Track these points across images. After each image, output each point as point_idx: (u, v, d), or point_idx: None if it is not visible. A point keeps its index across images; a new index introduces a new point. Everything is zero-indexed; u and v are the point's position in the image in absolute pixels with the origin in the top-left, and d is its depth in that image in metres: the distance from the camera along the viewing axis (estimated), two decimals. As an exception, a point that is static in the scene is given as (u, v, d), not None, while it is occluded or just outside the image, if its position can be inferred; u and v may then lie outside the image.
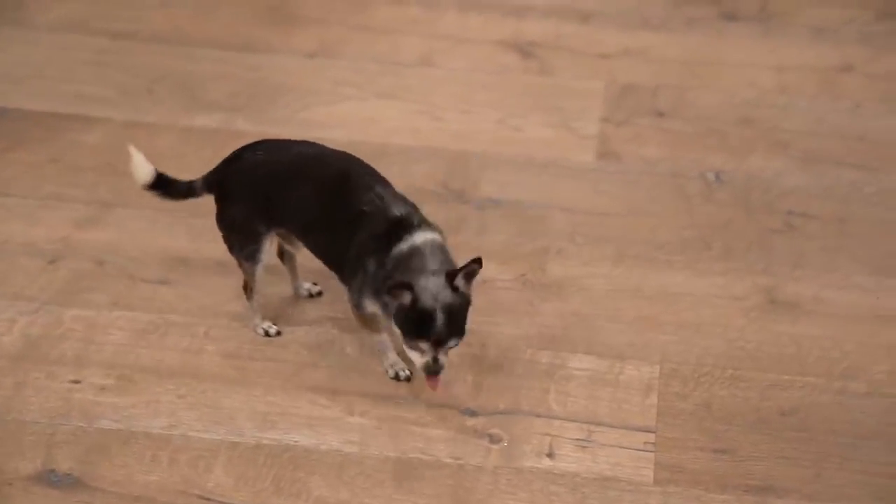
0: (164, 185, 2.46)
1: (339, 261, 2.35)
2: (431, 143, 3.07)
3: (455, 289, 2.19)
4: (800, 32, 3.50)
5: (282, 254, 2.56)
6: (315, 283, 2.62)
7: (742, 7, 3.61)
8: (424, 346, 2.21)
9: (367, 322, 2.37)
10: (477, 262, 2.20)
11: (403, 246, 2.23)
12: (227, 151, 2.98)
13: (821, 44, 3.45)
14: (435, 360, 2.22)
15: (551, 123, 3.15)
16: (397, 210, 2.27)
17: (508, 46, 3.41)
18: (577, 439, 2.32)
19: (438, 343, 2.21)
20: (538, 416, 2.37)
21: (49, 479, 2.20)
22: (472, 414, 2.37)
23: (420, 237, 2.24)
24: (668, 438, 2.33)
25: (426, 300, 2.17)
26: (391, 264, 2.23)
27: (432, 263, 2.21)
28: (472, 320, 2.55)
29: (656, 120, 3.17)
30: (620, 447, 2.31)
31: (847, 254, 2.75)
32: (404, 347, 2.25)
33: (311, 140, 2.44)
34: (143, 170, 2.44)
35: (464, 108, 3.20)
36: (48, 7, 3.42)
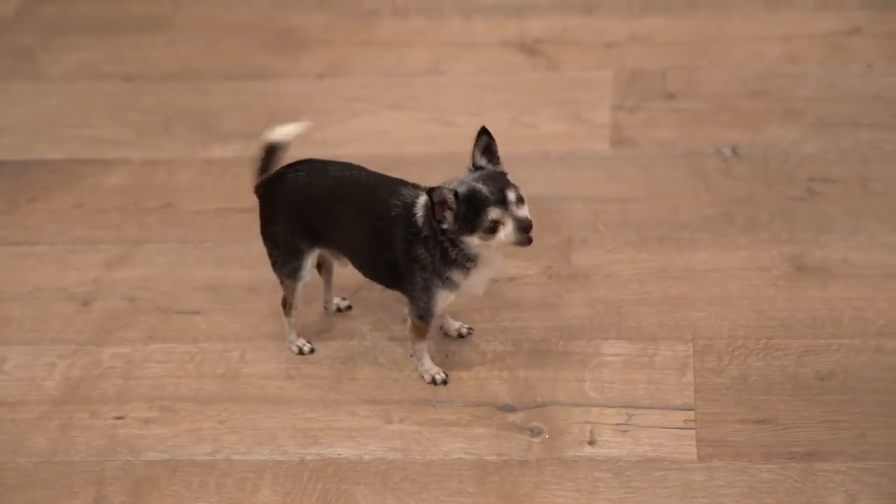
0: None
1: (393, 274, 2.37)
2: (446, 149, 3.09)
3: (476, 167, 2.28)
4: (803, 1, 3.48)
5: (319, 265, 2.57)
6: (344, 298, 2.64)
7: (744, -19, 3.61)
8: (495, 213, 2.22)
9: (422, 331, 2.40)
10: (482, 131, 2.28)
11: (418, 211, 2.29)
12: (246, 180, 3.02)
13: (825, 9, 3.43)
14: (517, 218, 2.23)
15: (563, 117, 3.16)
16: (409, 195, 2.32)
17: (514, 46, 3.42)
18: (617, 424, 2.33)
19: (502, 201, 2.22)
20: (576, 405, 2.38)
21: (101, 514, 2.24)
22: (511, 410, 2.38)
23: (421, 197, 2.30)
24: (708, 414, 2.33)
25: (461, 188, 2.23)
26: (424, 231, 2.28)
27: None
28: (503, 317, 2.57)
29: (668, 102, 3.17)
30: (661, 427, 2.31)
31: (871, 214, 2.74)
32: (489, 244, 2.25)
33: (327, 158, 2.48)
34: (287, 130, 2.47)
35: (475, 111, 3.22)
36: (60, 58, 3.47)
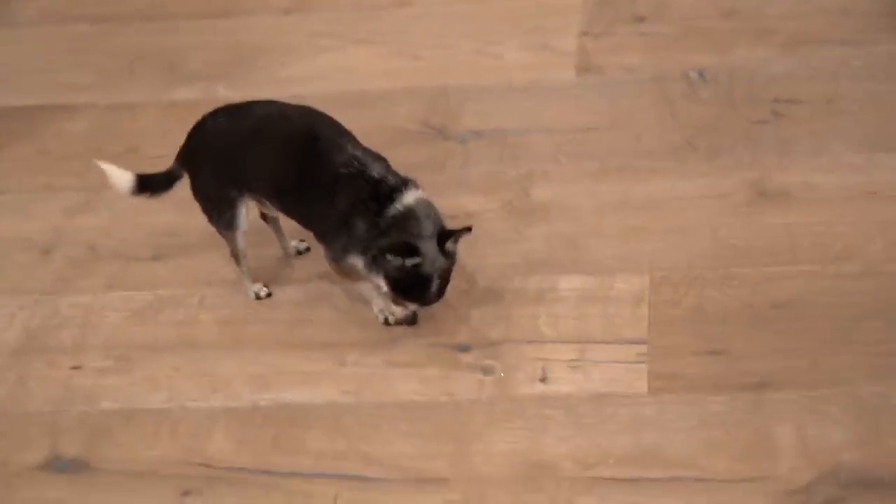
0: (146, 186, 2.48)
1: (317, 222, 2.36)
2: (411, 83, 3.05)
3: (446, 253, 2.25)
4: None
5: (264, 216, 2.57)
6: (302, 240, 2.63)
7: None
8: (412, 306, 2.31)
9: (347, 273, 2.38)
10: (468, 229, 2.26)
11: (398, 206, 2.25)
12: (208, 121, 3.01)
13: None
14: (415, 314, 2.35)
15: (530, 45, 3.10)
16: (376, 171, 2.28)
17: (484, -27, 3.35)
18: (570, 360, 2.31)
19: (425, 305, 2.29)
20: (530, 342, 2.36)
21: (55, 465, 2.25)
22: (465, 349, 2.37)
23: (411, 197, 2.26)
24: (662, 347, 2.30)
25: (427, 266, 2.23)
26: (385, 224, 2.25)
27: (428, 227, 2.25)
28: (460, 254, 2.55)
29: (636, 26, 3.10)
30: (614, 362, 2.29)
31: (836, 134, 2.68)
32: (387, 299, 2.33)
33: (290, 97, 2.46)
34: (122, 180, 2.47)
35: (442, 42, 3.17)
36: (26, 4, 3.45)
